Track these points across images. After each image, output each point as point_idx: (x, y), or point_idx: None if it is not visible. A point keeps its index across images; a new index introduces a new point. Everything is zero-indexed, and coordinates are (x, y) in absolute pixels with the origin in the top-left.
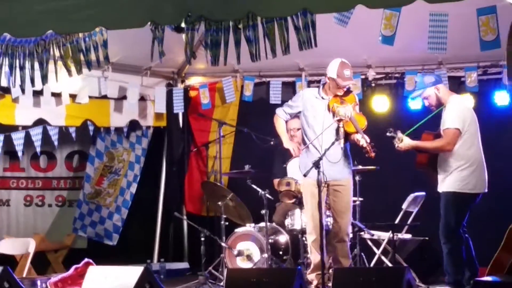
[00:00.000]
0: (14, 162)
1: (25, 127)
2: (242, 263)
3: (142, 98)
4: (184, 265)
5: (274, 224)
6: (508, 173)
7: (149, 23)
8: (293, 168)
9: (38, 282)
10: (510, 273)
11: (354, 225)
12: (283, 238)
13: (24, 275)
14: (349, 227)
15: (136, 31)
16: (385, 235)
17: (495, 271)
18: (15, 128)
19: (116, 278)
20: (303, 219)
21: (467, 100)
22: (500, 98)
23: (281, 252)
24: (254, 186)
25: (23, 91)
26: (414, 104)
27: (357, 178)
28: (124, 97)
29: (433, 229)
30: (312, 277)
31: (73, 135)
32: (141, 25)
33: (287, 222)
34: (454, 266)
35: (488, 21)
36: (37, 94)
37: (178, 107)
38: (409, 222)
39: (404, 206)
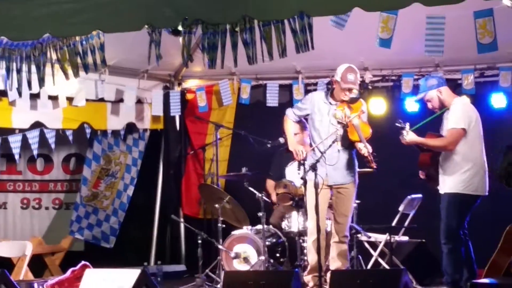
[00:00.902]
0: (11, 165)
1: (22, 130)
2: (239, 266)
3: (139, 101)
4: (181, 267)
5: (271, 226)
6: None
7: (146, 26)
8: (292, 172)
9: (35, 285)
10: (507, 275)
11: (351, 228)
12: (280, 240)
13: (21, 278)
14: (348, 230)
15: (133, 34)
16: (382, 238)
17: (492, 273)
18: (12, 131)
19: (113, 280)
20: (300, 221)
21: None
22: (497, 100)
23: (278, 255)
24: (251, 189)
25: (20, 94)
26: (411, 107)
27: None
28: (121, 100)
29: (430, 232)
30: (308, 278)
31: (70, 138)
32: (138, 28)
33: (284, 224)
34: (453, 266)
35: (485, 24)
36: (34, 97)
37: (175, 110)
38: (406, 224)
39: (400, 208)
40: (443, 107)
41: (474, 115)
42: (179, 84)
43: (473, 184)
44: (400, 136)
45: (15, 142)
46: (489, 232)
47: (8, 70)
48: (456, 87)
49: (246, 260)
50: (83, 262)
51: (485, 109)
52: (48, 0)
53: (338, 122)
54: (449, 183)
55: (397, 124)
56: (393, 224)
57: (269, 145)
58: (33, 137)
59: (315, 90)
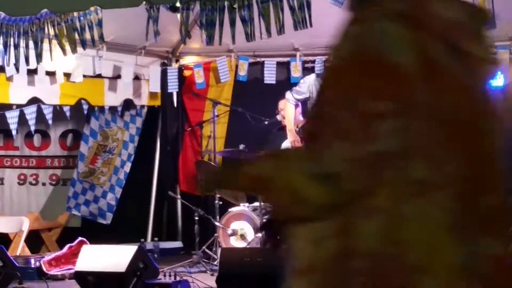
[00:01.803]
0: (8, 140)
1: (19, 106)
2: (236, 243)
3: (137, 77)
4: (178, 244)
5: (268, 203)
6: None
7: (144, 2)
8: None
9: (32, 261)
10: None
11: None
12: None
13: (18, 254)
14: None
15: (131, 10)
16: None
17: None
18: (9, 106)
19: (109, 257)
20: None
21: None
22: (495, 80)
23: None
24: None
25: (17, 69)
26: None
27: None
28: (119, 76)
29: None
30: None
31: (67, 114)
32: (136, 4)
33: None
34: None
35: (483, 2)
36: (32, 73)
37: (173, 87)
38: None
39: None
40: None
41: None
42: (177, 60)
43: None
44: None
45: (12, 117)
46: None
47: (6, 45)
48: None
49: (243, 237)
50: (80, 238)
51: None
52: None
53: None
54: None
55: None
56: None
57: (266, 122)
58: (30, 112)
59: (313, 67)
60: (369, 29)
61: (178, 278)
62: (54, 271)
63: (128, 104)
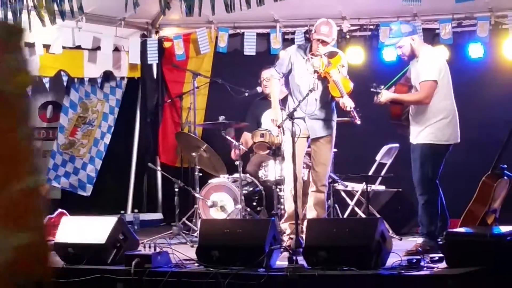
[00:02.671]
0: None
1: None
2: (216, 214)
3: (116, 49)
4: (158, 216)
5: (248, 175)
6: (481, 125)
7: None
8: (268, 120)
9: None
10: (482, 225)
11: (328, 177)
12: (257, 189)
13: None
14: (327, 179)
15: None
16: (358, 187)
17: (467, 222)
18: None
19: (89, 228)
20: (276, 170)
21: (440, 51)
22: (474, 51)
23: (255, 203)
24: (228, 137)
25: None
26: (389, 56)
27: None
28: (98, 48)
29: (407, 181)
30: (285, 226)
31: (47, 85)
32: None
33: (261, 173)
34: (429, 217)
35: None
36: None
37: (152, 58)
38: (382, 173)
39: (378, 157)
40: (413, 56)
41: (443, 64)
42: (157, 32)
43: (445, 133)
44: (375, 100)
45: None
46: (462, 182)
47: None
48: (433, 37)
49: (222, 208)
50: (59, 210)
51: (462, 59)
52: None
53: (315, 72)
54: (422, 134)
55: (372, 90)
56: (370, 173)
57: (246, 94)
58: None
59: (292, 39)
60: None
61: (158, 250)
62: None
63: (107, 76)
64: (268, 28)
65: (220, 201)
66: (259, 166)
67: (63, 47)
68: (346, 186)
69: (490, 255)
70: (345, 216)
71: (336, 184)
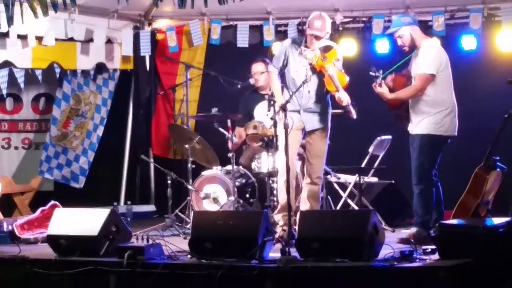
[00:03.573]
0: None
1: None
2: (209, 206)
3: (109, 41)
4: (151, 207)
5: (241, 167)
6: (474, 117)
7: None
8: (260, 112)
9: (4, 224)
10: (475, 216)
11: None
12: (250, 181)
13: None
14: (321, 171)
15: None
16: (351, 179)
17: (460, 214)
18: None
19: (82, 220)
20: (269, 162)
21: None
22: (467, 43)
23: (247, 195)
24: (221, 129)
25: None
26: (382, 48)
27: None
28: (91, 40)
29: (399, 173)
30: (278, 217)
31: (40, 77)
32: None
33: (254, 165)
34: (424, 207)
35: None
36: (3, 36)
37: (145, 50)
38: (375, 165)
39: (370, 149)
40: (413, 47)
41: (444, 58)
42: (149, 24)
43: (444, 125)
44: (373, 84)
45: None
46: (457, 174)
47: None
48: (426, 29)
49: (215, 200)
50: (52, 202)
51: (455, 51)
52: None
53: (309, 64)
54: (421, 124)
55: (371, 73)
56: (363, 165)
57: (239, 86)
58: (2, 76)
59: (285, 31)
60: None
61: (150, 242)
62: (26, 235)
63: (100, 68)
64: (261, 20)
65: (213, 193)
66: (252, 158)
67: (56, 39)
68: (339, 178)
69: (482, 247)
70: (338, 208)
71: (329, 176)
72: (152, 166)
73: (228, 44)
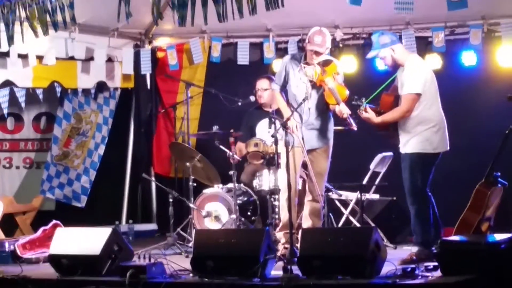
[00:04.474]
0: None
1: None
2: (211, 224)
3: (110, 59)
4: (153, 226)
5: (242, 185)
6: (475, 133)
7: None
8: (262, 129)
9: (6, 244)
10: (476, 233)
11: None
12: (251, 199)
13: None
14: (323, 189)
15: None
16: (353, 196)
17: (462, 230)
18: None
19: (84, 239)
20: (271, 179)
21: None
22: (467, 58)
23: (249, 213)
24: (222, 147)
25: None
26: (381, 65)
27: None
28: (91, 58)
29: (401, 189)
30: (280, 235)
31: (40, 96)
32: None
33: (255, 183)
34: (422, 226)
35: None
36: (4, 55)
37: (146, 68)
38: (376, 182)
39: (371, 166)
40: (397, 66)
41: (429, 74)
42: (150, 42)
43: (433, 142)
44: (358, 111)
45: None
46: (457, 190)
47: None
48: (426, 45)
49: (217, 218)
50: (54, 221)
51: (455, 67)
52: None
53: (310, 81)
54: (409, 143)
55: (353, 103)
56: (364, 182)
57: (240, 104)
58: (3, 95)
59: (285, 48)
60: None
61: (152, 260)
62: (28, 255)
63: (101, 86)
64: (261, 38)
65: (214, 211)
66: (253, 176)
67: (56, 58)
68: (341, 195)
69: (484, 263)
70: (339, 225)
71: (330, 193)
72: (153, 184)
73: (229, 61)
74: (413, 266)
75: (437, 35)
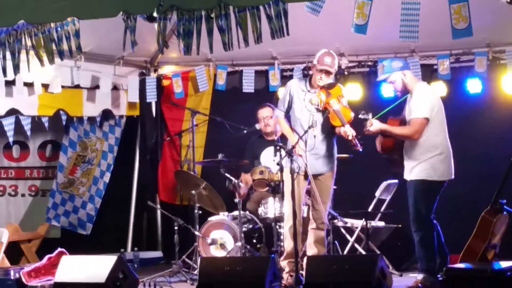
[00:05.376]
0: None
1: None
2: (216, 252)
3: (115, 88)
4: (158, 254)
5: (247, 212)
6: (480, 160)
7: (121, 12)
8: (267, 158)
9: (12, 272)
10: (482, 260)
11: (328, 213)
12: (257, 226)
13: None
14: (326, 216)
15: (108, 20)
16: (358, 223)
17: (467, 258)
18: None
19: (89, 267)
20: (276, 207)
21: (434, 88)
22: (473, 86)
23: (254, 241)
24: (227, 175)
25: None
26: (387, 92)
27: None
28: (97, 87)
29: (406, 217)
30: (284, 264)
31: (46, 124)
32: (113, 15)
33: (261, 210)
34: (426, 253)
35: (460, 9)
36: (9, 84)
37: (151, 96)
38: (382, 209)
39: (377, 193)
40: (406, 91)
41: (437, 102)
42: (155, 70)
43: (439, 170)
44: (364, 128)
45: None
46: (462, 217)
47: None
48: (432, 72)
49: (222, 246)
50: (59, 249)
51: (460, 95)
52: None
53: (316, 109)
54: (415, 170)
55: (360, 116)
56: (370, 209)
57: (245, 131)
58: (8, 124)
59: (291, 76)
60: None
61: None
62: (33, 282)
63: (106, 114)
64: (266, 65)
65: (219, 239)
66: (258, 203)
67: (62, 86)
68: (346, 223)
69: None
70: (345, 252)
71: (335, 221)
72: (159, 212)
73: (234, 89)
74: None
75: (442, 62)
